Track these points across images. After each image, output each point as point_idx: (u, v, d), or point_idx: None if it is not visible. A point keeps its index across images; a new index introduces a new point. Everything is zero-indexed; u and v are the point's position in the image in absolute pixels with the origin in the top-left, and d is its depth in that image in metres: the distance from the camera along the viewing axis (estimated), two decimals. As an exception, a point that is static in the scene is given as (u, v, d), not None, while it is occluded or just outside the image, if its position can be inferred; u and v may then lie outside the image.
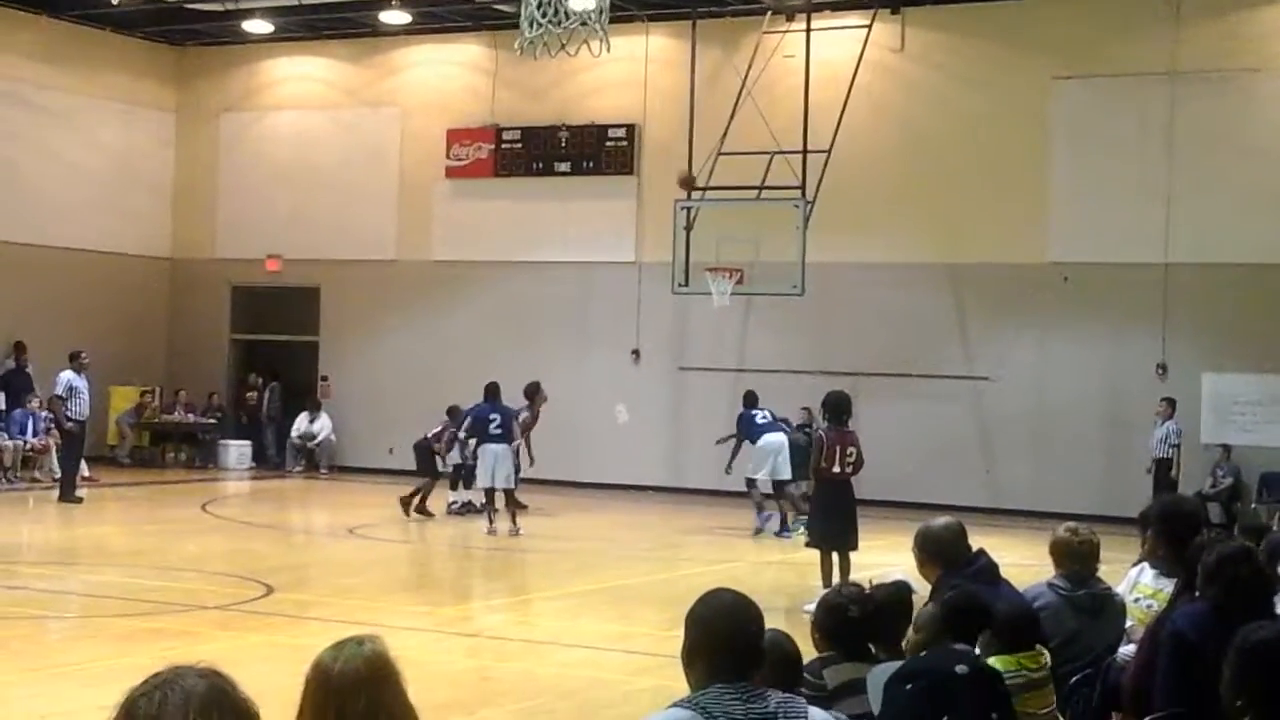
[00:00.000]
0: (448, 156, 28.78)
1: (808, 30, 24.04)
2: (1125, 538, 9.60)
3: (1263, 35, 23.81)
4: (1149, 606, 7.35)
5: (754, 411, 21.68)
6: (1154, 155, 23.89)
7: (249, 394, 30.29)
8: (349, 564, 18.16)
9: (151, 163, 30.80)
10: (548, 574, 18.35)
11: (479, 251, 28.22)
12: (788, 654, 5.42)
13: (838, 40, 24.72)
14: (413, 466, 23.15)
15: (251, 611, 13.75)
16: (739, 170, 23.30)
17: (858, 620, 6.02)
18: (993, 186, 24.89)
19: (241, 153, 30.77)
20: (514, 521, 20.43)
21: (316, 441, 28.93)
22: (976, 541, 7.42)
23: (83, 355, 22.92)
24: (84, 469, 24.06)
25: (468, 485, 22.15)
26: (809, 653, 5.87)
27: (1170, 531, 7.29)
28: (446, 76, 29.17)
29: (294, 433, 29.01)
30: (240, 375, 30.89)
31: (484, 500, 20.93)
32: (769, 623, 4.47)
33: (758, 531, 21.01)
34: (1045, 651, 6.43)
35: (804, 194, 23.01)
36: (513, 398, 21.61)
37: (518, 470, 21.54)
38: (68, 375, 22.61)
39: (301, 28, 29.38)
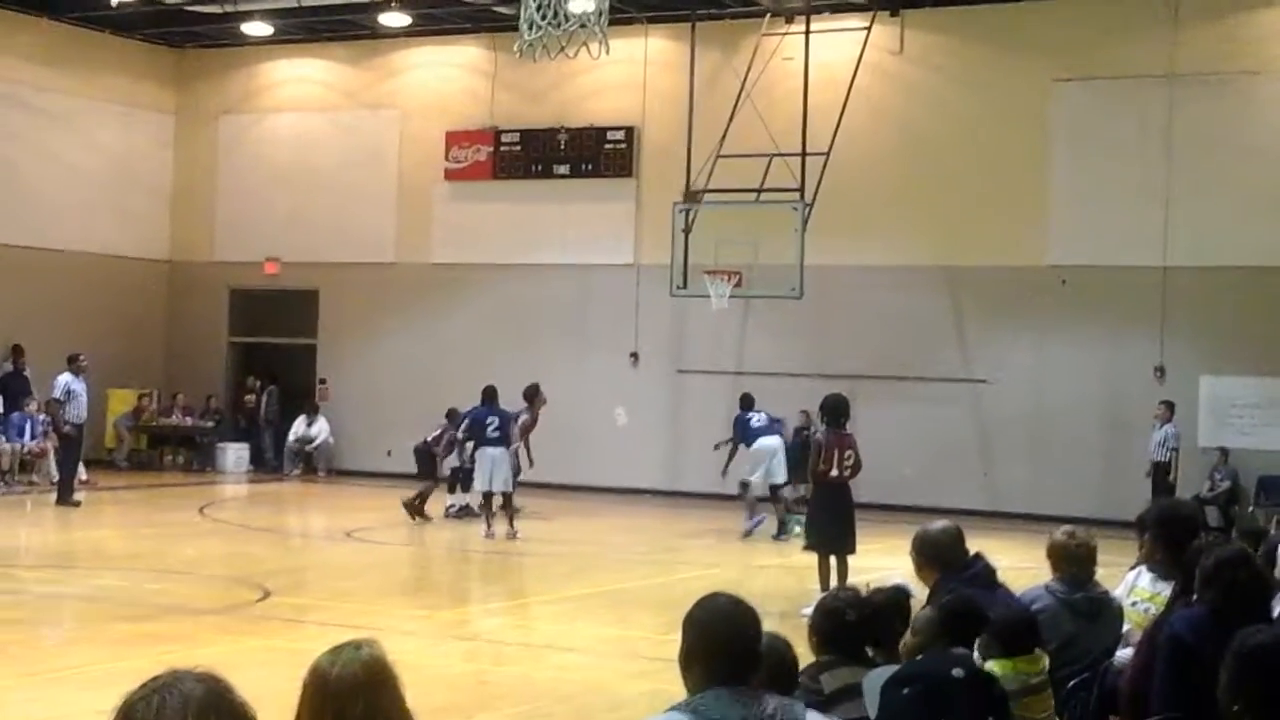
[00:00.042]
0: (447, 159, 28.79)
1: (807, 32, 24.05)
2: (1123, 541, 9.60)
3: (1261, 38, 23.82)
4: (1146, 610, 7.35)
5: (749, 415, 21.67)
6: (1153, 158, 23.90)
7: (247, 397, 30.27)
8: (346, 567, 18.15)
9: (150, 165, 30.80)
10: (545, 577, 18.34)
11: (478, 254, 28.22)
12: (784, 658, 5.41)
13: (837, 42, 24.73)
14: (410, 469, 23.14)
15: (249, 615, 13.75)
16: (738, 173, 23.31)
17: (855, 624, 6.01)
18: (991, 189, 24.90)
19: (240, 155, 30.77)
20: (511, 525, 20.43)
21: (314, 445, 28.93)
22: (974, 545, 7.42)
23: (81, 358, 22.90)
24: (82, 472, 24.05)
25: (465, 489, 22.14)
26: (806, 657, 5.87)
27: (1168, 535, 7.29)
28: (445, 79, 29.18)
29: (291, 436, 29.00)
30: (238, 378, 30.88)
31: (481, 504, 20.90)
32: (766, 626, 4.47)
33: (746, 534, 20.99)
34: (1044, 655, 6.43)
35: (803, 196, 23.02)
36: (511, 400, 21.60)
37: (517, 473, 21.53)
38: (65, 378, 22.60)
39: (301, 30, 29.38)
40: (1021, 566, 11.22)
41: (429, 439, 22.75)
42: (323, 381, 29.70)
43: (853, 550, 15.08)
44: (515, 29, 15.67)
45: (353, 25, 28.85)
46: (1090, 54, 24.39)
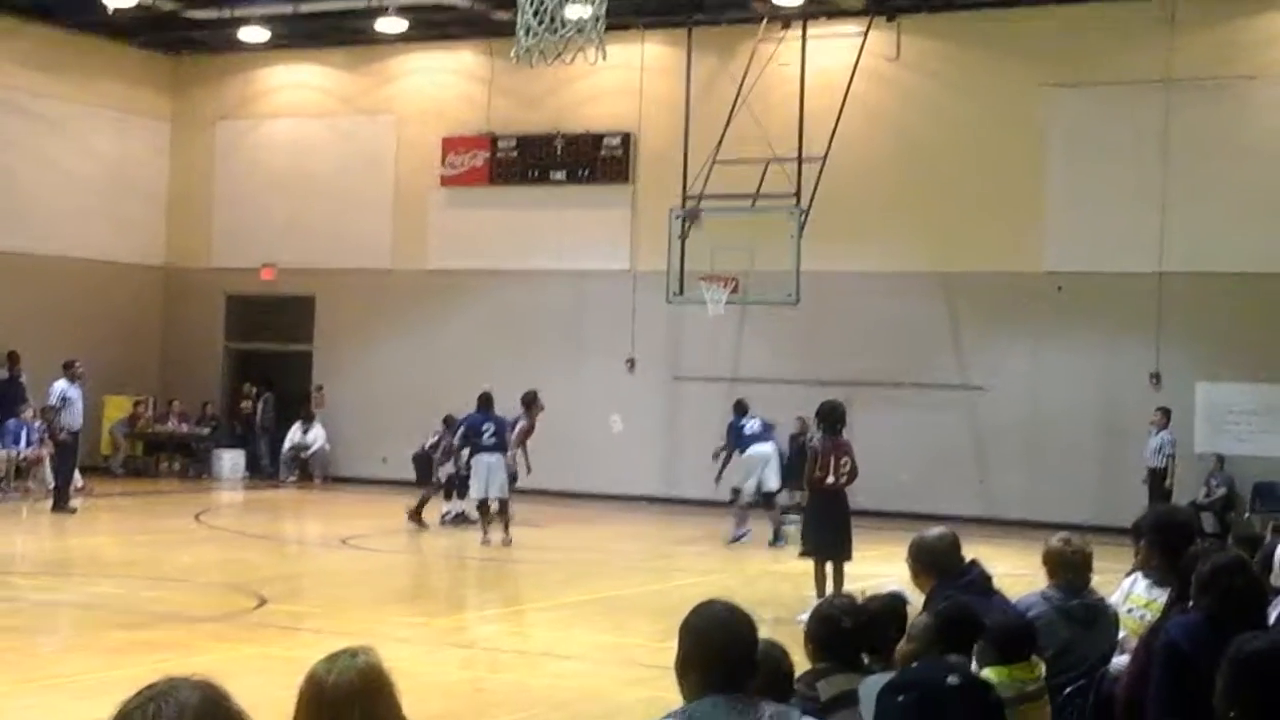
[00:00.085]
0: (443, 165, 28.80)
1: (803, 38, 24.11)
2: (1119, 548, 9.59)
3: (1257, 43, 23.86)
4: (1142, 617, 7.35)
5: (743, 421, 21.65)
6: (1149, 163, 23.93)
7: (243, 403, 30.26)
8: (342, 575, 18.14)
9: (146, 171, 30.80)
10: (541, 585, 18.32)
11: (474, 260, 28.23)
12: (780, 665, 5.41)
13: (833, 48, 24.77)
14: (406, 476, 23.15)
15: (245, 623, 13.73)
16: (734, 179, 23.34)
17: (851, 631, 6.01)
18: (987, 195, 24.92)
19: (237, 161, 30.77)
20: (506, 531, 20.41)
21: (310, 451, 28.92)
22: (970, 551, 7.42)
23: (76, 365, 22.88)
24: (78, 479, 24.01)
25: (461, 495, 22.12)
26: (802, 664, 5.87)
27: (1164, 541, 7.28)
28: (442, 85, 29.19)
29: (287, 444, 28.99)
30: (234, 385, 30.86)
31: (478, 510, 20.88)
32: (762, 633, 4.47)
33: (732, 541, 20.96)
34: (1040, 663, 6.42)
35: (799, 202, 23.07)
36: (507, 407, 21.58)
37: (514, 479, 21.54)
38: (61, 385, 22.58)
39: (297, 36, 29.37)
40: (1017, 573, 11.23)
41: (426, 446, 22.73)
42: (319, 388, 29.68)
43: (849, 557, 15.07)
44: (512, 35, 15.66)
45: (349, 31, 28.85)
46: (1086, 59, 24.42)
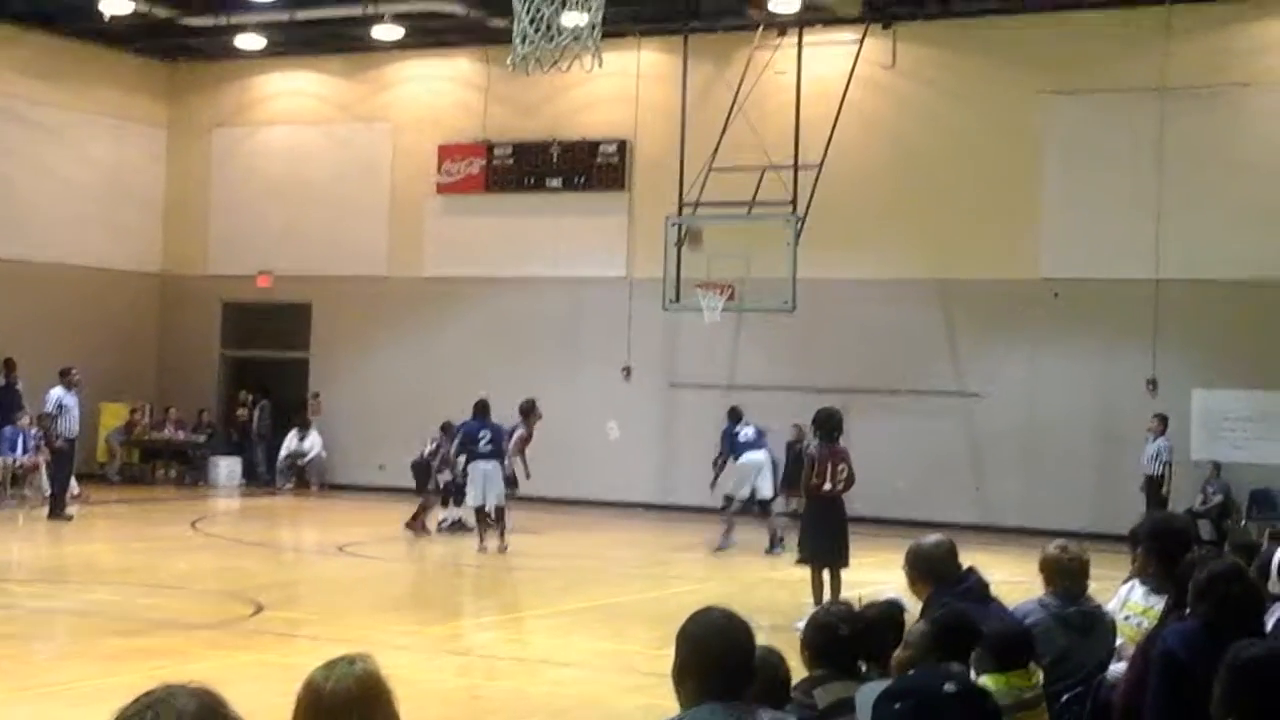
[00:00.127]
0: (439, 172, 28.80)
1: (799, 46, 24.15)
2: (1116, 555, 9.60)
3: (1252, 50, 23.89)
4: (1139, 624, 7.35)
5: (738, 428, 21.64)
6: (1144, 171, 23.95)
7: (239, 410, 30.25)
8: (339, 582, 18.13)
9: (143, 178, 30.80)
10: (539, 592, 18.32)
11: (470, 267, 28.23)
12: (778, 672, 5.41)
13: (829, 56, 24.80)
14: (403, 484, 23.12)
15: (241, 630, 13.71)
16: (730, 186, 23.37)
17: (848, 638, 6.00)
18: (984, 202, 24.94)
19: (233, 168, 30.78)
20: (501, 538, 20.40)
21: (307, 459, 28.91)
22: (967, 559, 7.41)
23: (73, 372, 22.88)
24: (74, 486, 24.00)
25: (458, 503, 22.11)
26: (798, 670, 5.86)
27: (1160, 549, 7.28)
28: (438, 92, 29.20)
29: (284, 451, 28.97)
30: (231, 392, 30.85)
31: (475, 518, 20.88)
32: (759, 640, 4.46)
33: (719, 549, 20.95)
34: (1038, 670, 6.42)
35: (795, 210, 23.10)
36: (503, 414, 21.59)
37: (515, 485, 21.62)
38: (57, 392, 22.57)
39: (293, 43, 29.38)
40: (1014, 580, 11.23)
41: (425, 453, 22.70)
42: (315, 395, 29.68)
43: (846, 564, 15.07)
44: (508, 42, 15.67)
45: (345, 38, 28.86)
46: (1082, 67, 24.45)
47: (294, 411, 29.42)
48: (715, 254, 23.21)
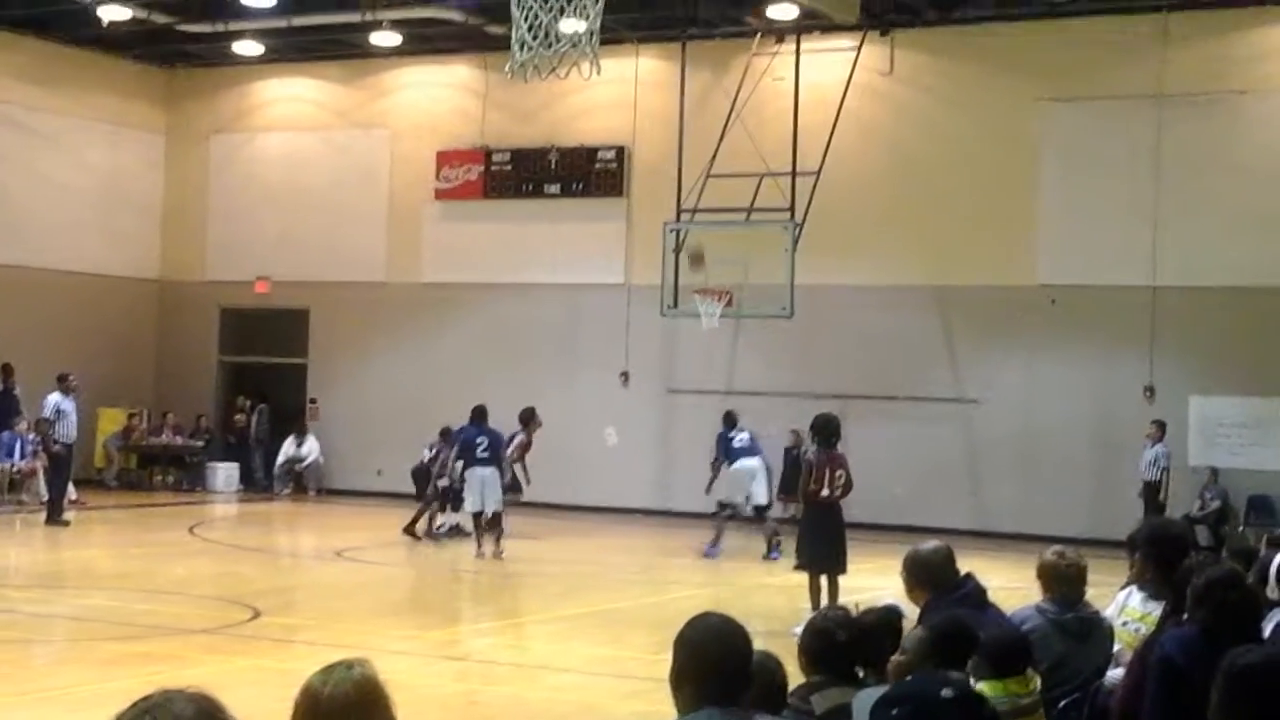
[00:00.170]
0: (437, 178, 28.81)
1: (797, 53, 24.16)
2: (1113, 561, 9.60)
3: (1249, 58, 23.91)
4: (1137, 630, 7.35)
5: (732, 434, 21.64)
6: (1141, 177, 23.97)
7: (237, 416, 30.24)
8: (337, 587, 18.12)
9: (140, 184, 30.81)
10: (537, 597, 18.32)
11: (468, 273, 28.24)
12: (775, 677, 5.41)
13: (827, 63, 24.81)
14: (400, 489, 23.11)
15: (239, 635, 13.70)
16: (728, 192, 23.37)
17: (845, 644, 6.00)
18: (981, 209, 24.95)
19: (231, 174, 30.78)
20: (497, 544, 20.40)
21: (305, 464, 28.90)
22: (964, 565, 7.42)
23: (70, 377, 22.88)
24: (71, 492, 24.00)
25: (455, 508, 22.11)
26: (796, 676, 5.86)
27: (1158, 554, 7.29)
28: (436, 98, 29.21)
29: (281, 457, 28.97)
30: (228, 397, 30.85)
31: (473, 524, 20.88)
32: (756, 646, 4.47)
33: (706, 555, 20.96)
34: (1035, 676, 6.42)
35: (793, 216, 23.09)
36: (501, 420, 21.59)
37: (520, 491, 21.71)
38: (55, 398, 22.58)
39: (291, 49, 29.40)
40: (1012, 586, 11.25)
41: (425, 460, 22.65)
42: (313, 401, 29.68)
43: (843, 570, 15.08)
44: (506, 49, 15.66)
45: (344, 45, 28.88)
46: (1079, 74, 24.47)
47: (292, 417, 29.41)
48: (713, 260, 23.20)
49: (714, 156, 23.88)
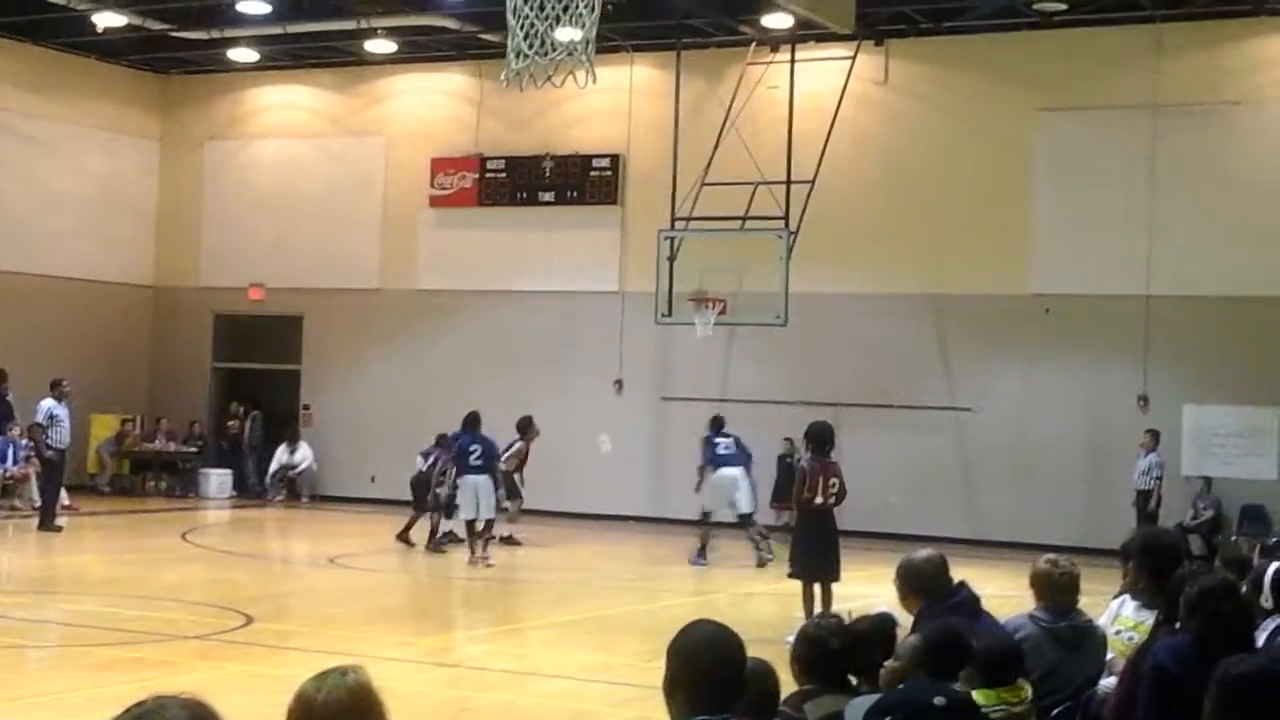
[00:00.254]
0: (432, 185, 28.81)
1: (792, 62, 24.17)
2: (1106, 569, 9.61)
3: (1243, 69, 23.95)
4: (1130, 639, 7.36)
5: (717, 439, 21.63)
6: (1136, 187, 24.00)
7: (230, 423, 30.22)
8: (330, 594, 18.10)
9: (135, 191, 30.79)
10: (530, 604, 18.32)
11: (463, 281, 28.23)
12: (767, 684, 5.41)
13: (821, 72, 24.83)
14: (394, 496, 23.08)
15: (231, 641, 13.70)
16: (722, 200, 23.38)
17: (838, 652, 6.00)
18: (975, 218, 24.98)
19: (226, 181, 30.77)
20: (485, 549, 20.41)
21: (298, 471, 28.88)
22: (957, 573, 7.42)
23: (64, 383, 22.86)
24: (64, 497, 23.97)
25: (449, 516, 22.10)
26: (788, 683, 5.86)
27: (1151, 563, 7.29)
28: (431, 106, 29.22)
29: (274, 465, 28.94)
30: (222, 404, 30.82)
31: (467, 531, 20.87)
32: (749, 654, 4.47)
33: (694, 563, 20.97)
34: (1027, 685, 6.42)
35: (787, 224, 23.10)
36: (494, 428, 21.60)
37: (520, 498, 21.73)
38: (48, 403, 22.56)
39: (286, 57, 29.41)
40: (1005, 595, 11.23)
41: (424, 468, 22.55)
42: (306, 407, 29.67)
43: (837, 578, 15.08)
44: (501, 56, 15.68)
45: (338, 52, 28.89)
46: (1074, 84, 24.50)
47: (286, 423, 29.39)
48: (707, 268, 23.22)
49: (709, 165, 23.89)
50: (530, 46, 14.23)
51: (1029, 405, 24.58)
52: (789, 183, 23.34)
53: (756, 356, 25.81)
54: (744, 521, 21.26)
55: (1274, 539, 19.98)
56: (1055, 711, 7.01)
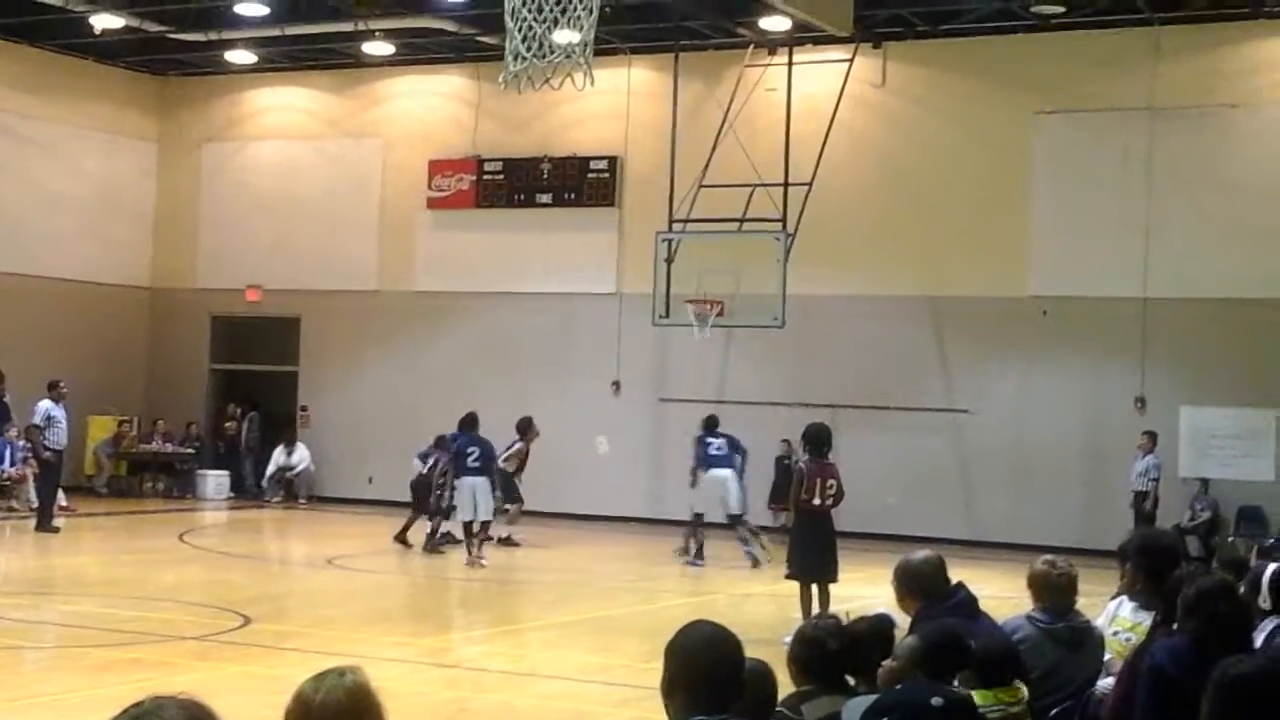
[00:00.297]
0: (429, 187, 28.81)
1: (789, 64, 24.18)
2: (1104, 570, 9.62)
3: (1240, 72, 23.97)
4: (1128, 639, 7.36)
5: (710, 439, 21.62)
6: (1133, 190, 24.02)
7: (228, 424, 30.21)
8: (327, 594, 18.10)
9: (133, 192, 30.78)
10: (528, 605, 18.32)
11: (460, 282, 28.23)
12: (766, 685, 5.41)
13: (819, 74, 24.84)
14: (391, 497, 23.09)
15: (229, 642, 13.69)
16: (720, 203, 23.39)
17: (836, 653, 6.00)
18: (973, 220, 24.98)
19: (223, 183, 30.76)
20: (479, 549, 20.41)
21: (295, 472, 28.88)
22: (955, 574, 7.42)
23: (61, 385, 22.86)
24: (61, 498, 23.96)
25: (446, 517, 22.09)
26: (785, 685, 5.86)
27: (1149, 564, 7.30)
28: (429, 108, 29.22)
29: (272, 466, 28.94)
30: (219, 405, 30.81)
31: (464, 532, 20.87)
32: (748, 654, 4.47)
33: (690, 564, 20.99)
34: (1022, 686, 6.43)
35: (785, 227, 23.11)
36: (491, 429, 21.60)
37: (520, 500, 21.75)
38: (46, 404, 22.55)
39: (284, 58, 29.41)
40: (1003, 596, 11.23)
41: (425, 470, 22.51)
42: (304, 409, 29.67)
43: (835, 579, 15.08)
44: (498, 59, 15.67)
45: (336, 54, 28.89)
46: (1071, 86, 24.51)
47: (283, 425, 29.39)
48: (705, 270, 23.23)
49: (706, 167, 23.90)
50: (528, 49, 14.24)
51: (1027, 407, 24.59)
52: (786, 185, 23.35)
53: (754, 358, 25.82)
54: (733, 521, 21.27)
55: (1271, 540, 20.07)
56: (1053, 712, 7.01)
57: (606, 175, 27.42)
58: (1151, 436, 23.09)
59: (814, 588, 14.97)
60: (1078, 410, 24.30)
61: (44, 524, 22.34)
